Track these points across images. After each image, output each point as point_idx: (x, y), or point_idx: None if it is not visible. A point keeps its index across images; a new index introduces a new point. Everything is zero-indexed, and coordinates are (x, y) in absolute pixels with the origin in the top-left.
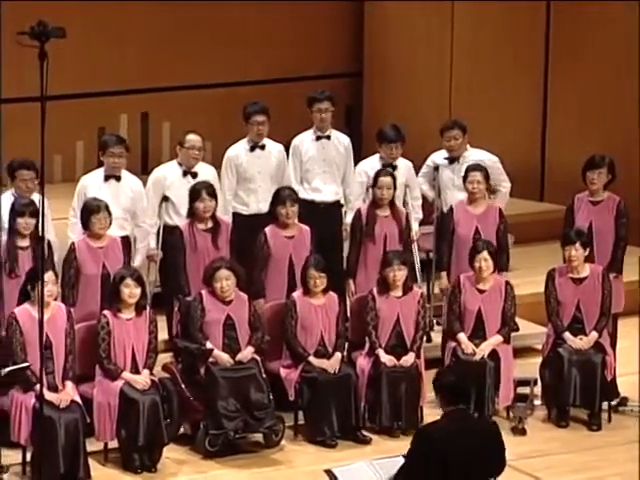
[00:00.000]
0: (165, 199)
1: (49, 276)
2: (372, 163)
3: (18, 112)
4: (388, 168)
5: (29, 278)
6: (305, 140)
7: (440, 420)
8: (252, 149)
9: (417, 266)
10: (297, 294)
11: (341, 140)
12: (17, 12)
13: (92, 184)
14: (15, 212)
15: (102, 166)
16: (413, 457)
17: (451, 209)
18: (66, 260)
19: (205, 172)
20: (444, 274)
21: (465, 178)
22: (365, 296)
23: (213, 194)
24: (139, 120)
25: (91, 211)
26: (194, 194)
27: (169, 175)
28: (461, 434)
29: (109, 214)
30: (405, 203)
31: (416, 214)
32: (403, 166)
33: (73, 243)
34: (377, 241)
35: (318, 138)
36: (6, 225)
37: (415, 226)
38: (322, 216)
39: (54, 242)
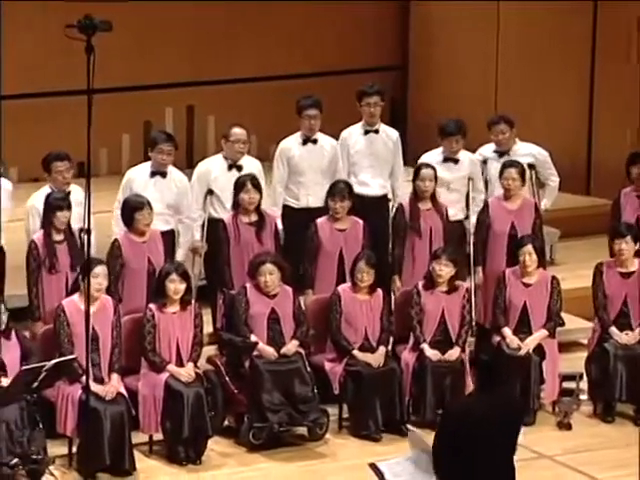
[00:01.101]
0: (210, 192)
1: (102, 269)
2: (434, 156)
3: (64, 105)
4: (449, 162)
5: (82, 270)
6: (353, 133)
7: (467, 396)
8: (304, 143)
9: (471, 260)
10: (342, 288)
11: (390, 134)
12: (64, 6)
13: (138, 178)
14: (51, 206)
15: (149, 160)
16: (437, 432)
17: (486, 205)
18: (111, 255)
19: (250, 165)
20: (479, 269)
21: (501, 174)
22: (410, 290)
23: (258, 186)
24: (184, 113)
25: (134, 208)
26: (239, 185)
27: (214, 169)
28: (481, 409)
29: (151, 210)
30: (468, 197)
31: (478, 208)
32: (467, 160)
33: (117, 239)
34: (423, 235)
35: (366, 132)
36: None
37: (473, 219)
38: (369, 210)
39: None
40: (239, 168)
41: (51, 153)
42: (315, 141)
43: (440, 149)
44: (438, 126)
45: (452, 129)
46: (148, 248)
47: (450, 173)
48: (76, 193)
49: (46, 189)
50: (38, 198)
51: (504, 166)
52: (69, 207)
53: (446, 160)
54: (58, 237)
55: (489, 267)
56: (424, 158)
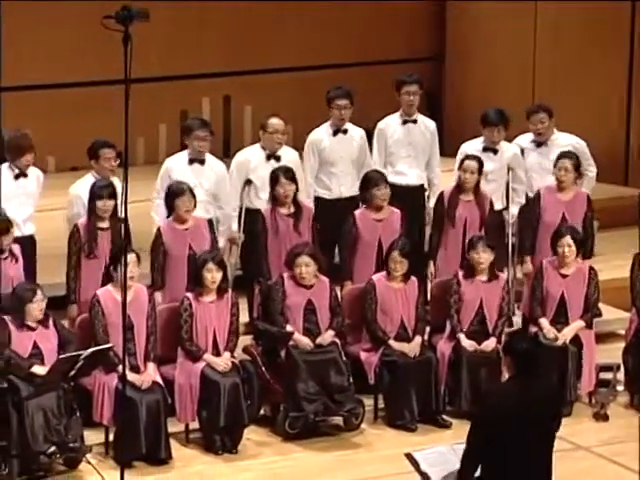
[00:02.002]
0: (248, 182)
1: (131, 257)
2: (474, 145)
3: (102, 95)
4: (489, 152)
5: (112, 259)
6: (391, 123)
7: (504, 383)
8: (335, 133)
9: (510, 250)
10: (377, 277)
11: (427, 125)
12: None
13: (176, 167)
14: (94, 194)
15: (186, 149)
16: (474, 419)
17: (538, 195)
18: (154, 244)
19: (288, 155)
20: (528, 259)
21: (555, 164)
22: (447, 280)
23: (292, 178)
24: (221, 103)
25: (176, 194)
26: (273, 179)
27: (253, 158)
28: (519, 397)
29: (193, 196)
30: (509, 187)
31: (519, 198)
32: (508, 150)
33: (159, 228)
34: (457, 225)
35: (404, 122)
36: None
37: (514, 210)
38: (405, 200)
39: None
40: (277, 159)
41: (98, 140)
42: (345, 131)
43: (481, 138)
44: (480, 115)
45: (494, 119)
46: (190, 235)
47: (490, 163)
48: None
49: (89, 177)
50: (81, 186)
51: (559, 157)
52: (111, 196)
53: (485, 150)
54: (102, 224)
55: (538, 258)
56: (464, 147)
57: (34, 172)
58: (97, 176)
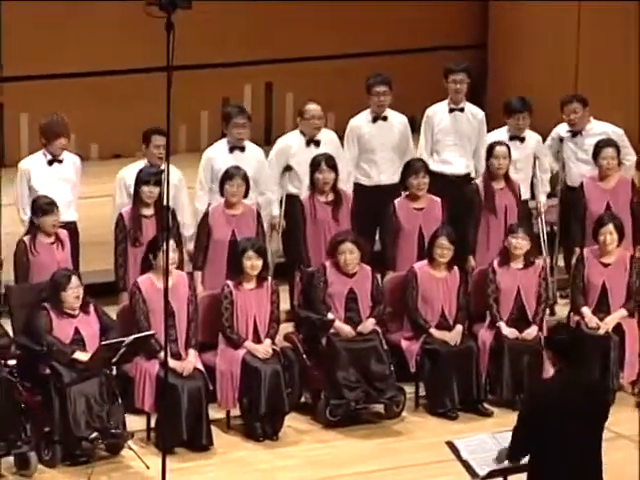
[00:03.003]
0: (288, 168)
1: (171, 244)
2: (499, 135)
3: (144, 82)
4: (515, 141)
5: (150, 247)
6: (438, 111)
7: (552, 377)
8: (374, 120)
9: (543, 238)
10: (419, 266)
11: (475, 113)
12: None
13: (217, 156)
14: (140, 180)
15: (225, 137)
16: (521, 413)
17: (581, 186)
18: (200, 224)
19: (328, 139)
20: (577, 249)
21: (597, 154)
22: (486, 269)
23: (333, 166)
24: (263, 90)
25: (225, 178)
26: (314, 165)
27: (293, 144)
28: (566, 391)
29: (242, 182)
30: (534, 176)
31: (544, 187)
32: (531, 139)
33: (208, 207)
34: (498, 214)
35: (452, 110)
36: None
37: (543, 198)
38: (451, 189)
39: (187, 209)
40: (317, 143)
41: (151, 127)
42: (385, 118)
43: (505, 128)
44: (504, 104)
45: (517, 106)
46: (236, 222)
47: (516, 152)
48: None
49: (140, 164)
50: (129, 171)
51: (601, 145)
52: (157, 183)
53: (512, 139)
54: (147, 211)
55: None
56: (490, 137)
57: (70, 158)
58: (148, 162)
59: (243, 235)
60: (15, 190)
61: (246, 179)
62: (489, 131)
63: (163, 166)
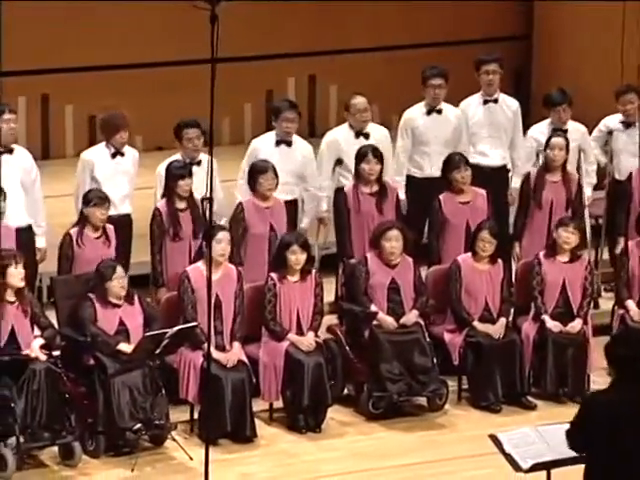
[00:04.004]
0: (339, 162)
1: (224, 235)
2: (541, 128)
3: (188, 74)
4: (559, 132)
5: (204, 236)
6: (472, 104)
7: (607, 389)
8: (429, 113)
9: (588, 232)
10: (462, 258)
11: (509, 104)
12: None
13: (264, 148)
14: (172, 175)
15: (272, 130)
16: (576, 424)
17: (629, 178)
18: (234, 219)
19: (377, 132)
20: (622, 240)
21: None
22: (531, 261)
23: (379, 157)
24: (307, 83)
25: (259, 171)
26: (360, 155)
27: (342, 137)
28: (625, 404)
29: (276, 175)
30: (579, 168)
31: (590, 179)
32: (576, 130)
33: (241, 203)
34: (543, 206)
35: (485, 102)
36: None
37: (588, 191)
38: (488, 180)
39: (222, 201)
40: (366, 136)
41: (182, 120)
42: (440, 111)
43: (547, 121)
44: (544, 97)
45: (558, 98)
46: (271, 214)
47: None
48: (206, 162)
49: (177, 157)
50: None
51: None
52: (190, 175)
53: (554, 131)
54: (181, 205)
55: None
56: (532, 131)
57: (130, 151)
58: (184, 156)
59: (279, 227)
60: (77, 180)
61: (276, 172)
62: (533, 123)
63: (201, 157)
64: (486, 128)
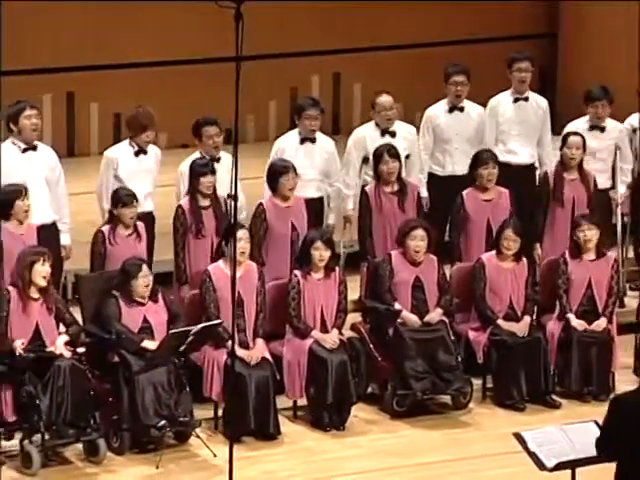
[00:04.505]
0: (365, 160)
1: (243, 233)
2: (579, 124)
3: (213, 72)
4: (595, 130)
5: (225, 235)
6: (502, 101)
7: (635, 390)
8: (451, 110)
9: (619, 230)
10: (486, 256)
11: (539, 102)
12: None
13: (288, 146)
14: (196, 172)
15: (296, 127)
16: (605, 426)
17: None
18: (255, 220)
19: (403, 131)
20: None
21: None
22: (555, 260)
23: (396, 156)
24: (331, 81)
25: (279, 172)
26: (377, 156)
27: (368, 135)
28: None
29: (296, 174)
30: (615, 166)
31: (625, 177)
32: (613, 128)
33: (261, 203)
34: (565, 205)
35: (516, 100)
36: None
37: (622, 189)
38: (516, 178)
39: (241, 199)
40: (392, 134)
41: (200, 118)
42: (462, 109)
43: (586, 117)
44: (584, 93)
45: (597, 94)
46: (292, 213)
47: (596, 141)
48: (226, 160)
49: (197, 155)
50: (188, 164)
51: None
52: (213, 172)
53: (592, 128)
54: (204, 202)
55: None
56: (570, 127)
57: (153, 149)
58: (203, 154)
59: (300, 226)
60: (100, 177)
61: (296, 171)
62: (559, 121)
63: (221, 154)
64: (516, 126)
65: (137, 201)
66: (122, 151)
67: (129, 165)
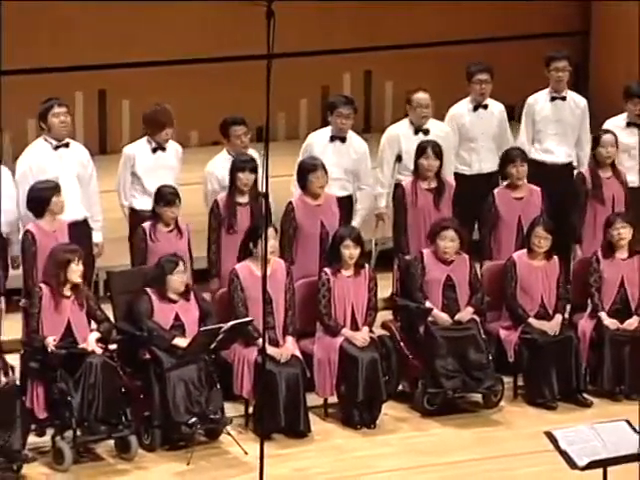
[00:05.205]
0: (398, 159)
1: (270, 232)
2: (617, 122)
3: (244, 70)
4: (632, 127)
5: (250, 234)
6: (540, 100)
7: None
8: (475, 108)
9: None
10: (517, 255)
11: (577, 101)
12: None
13: (318, 143)
14: (236, 168)
15: (328, 125)
16: None
17: None
18: (285, 219)
19: (437, 130)
20: None
21: None
22: (588, 258)
23: (439, 153)
24: (362, 78)
25: (308, 170)
26: (420, 151)
27: (402, 133)
28: None
29: (326, 172)
30: None
31: None
32: None
33: (291, 202)
34: (606, 203)
35: (553, 99)
36: (225, 183)
37: None
38: (553, 178)
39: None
40: (426, 132)
41: (228, 118)
42: (486, 106)
43: (624, 114)
44: (623, 89)
45: (637, 90)
46: (322, 211)
47: (633, 138)
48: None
49: (224, 154)
50: (216, 163)
51: None
52: (252, 170)
53: (629, 125)
54: (242, 199)
55: None
56: (607, 124)
57: (173, 146)
58: (231, 152)
59: (330, 224)
60: (118, 174)
61: (325, 169)
62: (591, 120)
63: (252, 152)
64: (553, 125)
65: (180, 200)
66: (140, 148)
67: (146, 162)
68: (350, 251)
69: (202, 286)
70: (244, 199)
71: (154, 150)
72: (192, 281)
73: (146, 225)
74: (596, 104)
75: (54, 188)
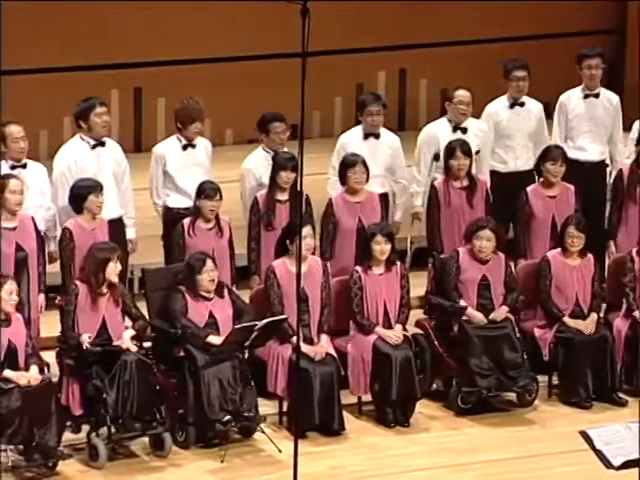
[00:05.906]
0: (436, 157)
1: (307, 230)
2: None
3: (279, 68)
4: None
5: (287, 232)
6: (572, 97)
7: None
8: (512, 106)
9: None
10: (552, 254)
11: (610, 99)
12: None
13: (352, 142)
14: (278, 165)
15: (360, 124)
16: None
17: None
18: (325, 215)
19: (475, 128)
20: None
21: None
22: (623, 257)
23: (468, 152)
24: (397, 76)
25: (348, 165)
26: (449, 151)
27: (439, 131)
28: None
29: (366, 169)
30: None
31: None
32: None
33: (331, 198)
34: (638, 200)
35: (586, 96)
36: (264, 180)
37: None
38: (586, 176)
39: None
40: (464, 130)
41: (267, 114)
42: (522, 104)
43: None
44: None
45: None
46: (361, 208)
47: None
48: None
49: (260, 151)
50: (252, 161)
51: None
52: (294, 168)
53: None
54: (282, 196)
55: None
56: (637, 123)
57: (202, 142)
58: (268, 149)
59: (369, 221)
60: (150, 174)
61: (366, 166)
62: (627, 117)
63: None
64: (586, 122)
65: (221, 196)
66: (169, 146)
67: (177, 160)
68: (381, 247)
69: (243, 283)
70: (284, 196)
71: (184, 147)
72: (233, 279)
73: (186, 221)
74: (630, 102)
75: (93, 187)
